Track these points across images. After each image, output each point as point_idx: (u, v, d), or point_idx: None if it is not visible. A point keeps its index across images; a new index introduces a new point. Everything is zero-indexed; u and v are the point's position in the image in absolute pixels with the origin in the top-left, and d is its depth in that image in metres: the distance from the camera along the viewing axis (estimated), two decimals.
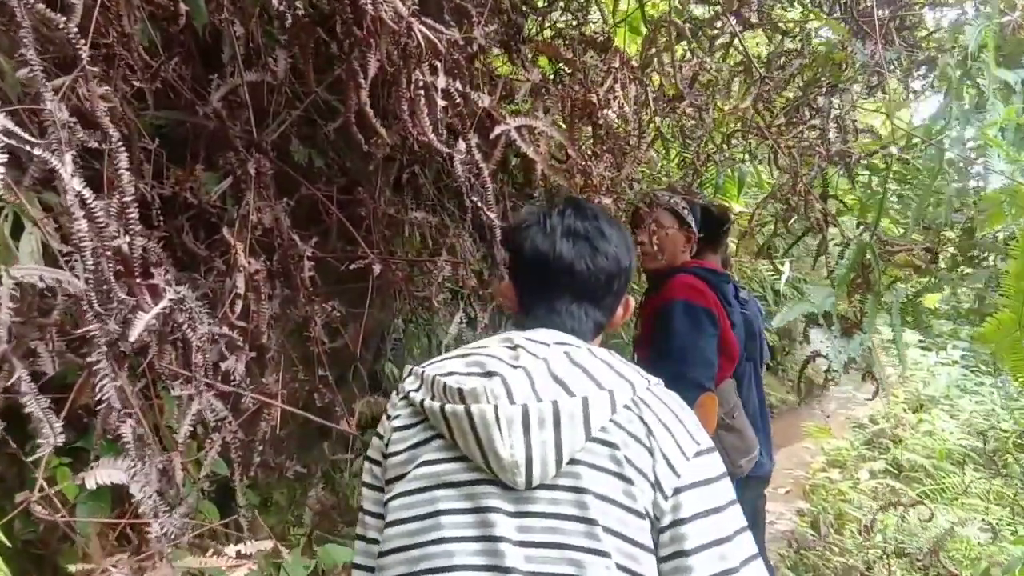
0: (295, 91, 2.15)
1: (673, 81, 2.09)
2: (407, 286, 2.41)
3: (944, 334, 11.17)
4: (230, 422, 1.66)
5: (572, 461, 1.08)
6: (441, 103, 1.62)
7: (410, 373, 1.25)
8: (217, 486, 2.17)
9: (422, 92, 1.58)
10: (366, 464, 1.26)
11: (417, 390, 1.20)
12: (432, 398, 1.16)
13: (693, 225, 2.33)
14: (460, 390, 1.11)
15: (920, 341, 11.16)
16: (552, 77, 2.26)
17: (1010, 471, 8.46)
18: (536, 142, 1.94)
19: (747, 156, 2.63)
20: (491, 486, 1.08)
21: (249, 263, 1.67)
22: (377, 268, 1.71)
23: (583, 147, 2.09)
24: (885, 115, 2.21)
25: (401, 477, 1.15)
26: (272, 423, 1.95)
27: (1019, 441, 8.63)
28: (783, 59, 2.29)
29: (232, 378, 1.67)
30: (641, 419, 1.12)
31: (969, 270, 2.32)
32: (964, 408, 9.66)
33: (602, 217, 1.29)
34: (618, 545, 1.05)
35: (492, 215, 1.78)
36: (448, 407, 1.11)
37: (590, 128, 2.11)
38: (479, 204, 1.76)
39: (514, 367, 1.13)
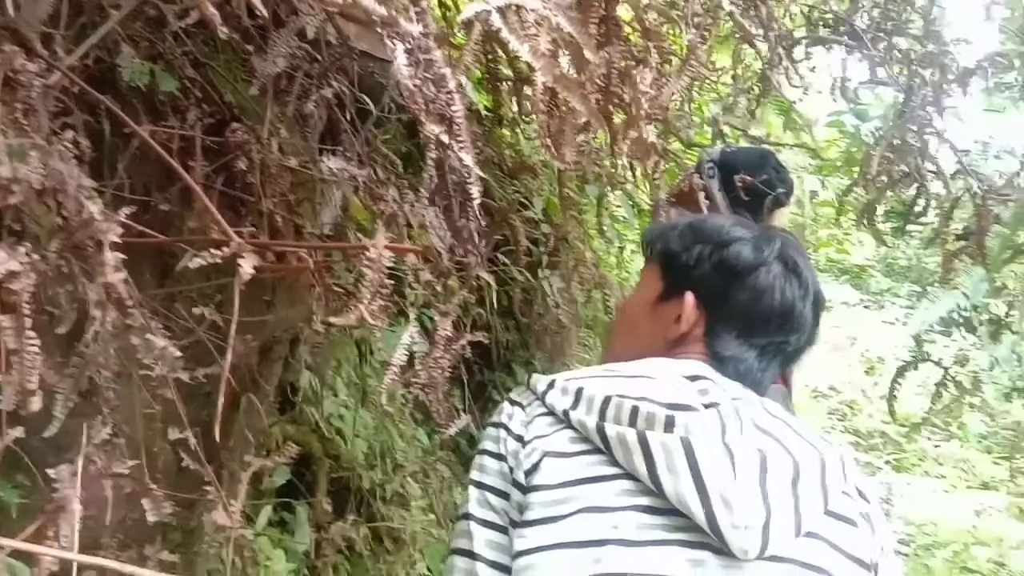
0: None
1: None
2: (321, 278, 1.60)
3: (881, 292, 10.93)
4: None
5: (809, 534, 0.83)
6: None
7: (550, 386, 0.92)
8: None
9: None
10: (475, 493, 0.91)
11: (573, 407, 0.88)
12: (610, 421, 0.85)
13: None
14: (670, 418, 0.83)
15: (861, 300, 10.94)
16: None
17: (965, 433, 8.34)
18: (532, 36, 1.14)
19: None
20: (702, 551, 0.79)
21: None
22: (248, 264, 0.88)
23: (601, 52, 1.29)
24: None
25: (552, 520, 0.83)
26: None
27: (971, 400, 8.49)
28: None
29: None
30: (862, 496, 0.91)
31: None
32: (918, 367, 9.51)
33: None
34: None
35: (467, 159, 0.98)
36: (652, 435, 0.82)
37: (602, 21, 1.32)
38: (443, 139, 0.95)
39: (707, 406, 0.87)
